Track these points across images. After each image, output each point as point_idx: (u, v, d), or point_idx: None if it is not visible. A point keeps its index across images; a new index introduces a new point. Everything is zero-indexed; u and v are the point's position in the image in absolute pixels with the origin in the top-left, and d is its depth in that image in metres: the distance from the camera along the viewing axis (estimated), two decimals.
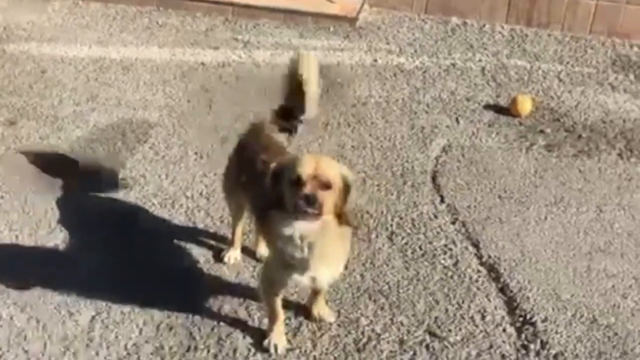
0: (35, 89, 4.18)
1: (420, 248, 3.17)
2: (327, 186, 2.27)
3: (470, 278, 3.02)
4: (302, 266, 2.38)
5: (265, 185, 2.31)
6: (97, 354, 2.56)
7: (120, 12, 5.08)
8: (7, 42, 4.64)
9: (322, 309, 2.75)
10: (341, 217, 2.33)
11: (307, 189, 2.23)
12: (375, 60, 4.66)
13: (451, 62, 4.65)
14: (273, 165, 2.33)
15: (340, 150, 3.80)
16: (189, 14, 5.08)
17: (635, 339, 2.75)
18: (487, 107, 4.27)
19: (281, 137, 2.80)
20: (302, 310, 2.78)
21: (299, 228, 2.28)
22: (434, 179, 3.66)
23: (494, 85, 4.46)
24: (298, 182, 2.25)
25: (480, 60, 4.68)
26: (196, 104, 4.11)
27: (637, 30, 4.90)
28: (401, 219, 3.34)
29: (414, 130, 4.03)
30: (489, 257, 3.14)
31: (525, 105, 4.20)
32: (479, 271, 3.07)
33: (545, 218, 3.40)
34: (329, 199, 2.27)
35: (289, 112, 2.78)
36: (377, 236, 3.22)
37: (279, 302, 2.57)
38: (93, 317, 2.71)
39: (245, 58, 4.65)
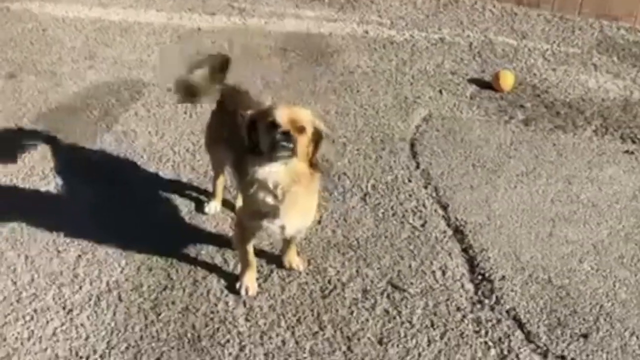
0: (36, 46, 4.39)
1: (391, 208, 3.40)
2: (300, 130, 2.47)
3: (436, 238, 3.24)
4: (273, 213, 2.59)
5: (242, 133, 2.52)
6: (80, 288, 2.80)
7: None
8: (11, 0, 4.84)
9: (292, 258, 2.99)
10: (312, 164, 2.53)
11: (283, 128, 2.42)
12: (367, 32, 4.86)
13: (440, 36, 4.85)
14: (250, 112, 2.53)
15: (325, 115, 4.01)
16: None
17: (586, 299, 2.97)
18: (471, 81, 4.46)
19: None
20: (274, 259, 3.01)
21: (272, 173, 2.49)
22: (412, 146, 3.87)
23: (479, 60, 4.65)
24: (274, 125, 2.44)
25: (468, 36, 4.87)
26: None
27: (625, 12, 5.09)
28: (376, 181, 3.56)
29: (397, 100, 4.23)
30: (456, 219, 3.36)
31: (507, 80, 4.40)
32: (444, 232, 3.29)
33: (515, 187, 3.61)
34: (302, 142, 2.48)
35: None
36: (351, 196, 3.44)
37: (250, 249, 2.80)
38: (79, 256, 2.94)
39: (240, 25, 4.84)
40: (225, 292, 2.84)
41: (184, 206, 3.26)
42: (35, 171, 3.37)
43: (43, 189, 3.28)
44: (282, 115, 2.46)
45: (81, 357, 2.52)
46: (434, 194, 3.52)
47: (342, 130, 3.88)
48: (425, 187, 3.57)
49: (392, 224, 3.29)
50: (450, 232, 3.30)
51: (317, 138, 2.55)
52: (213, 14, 4.90)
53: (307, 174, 2.53)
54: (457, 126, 4.03)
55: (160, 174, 3.46)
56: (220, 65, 3.03)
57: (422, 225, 3.31)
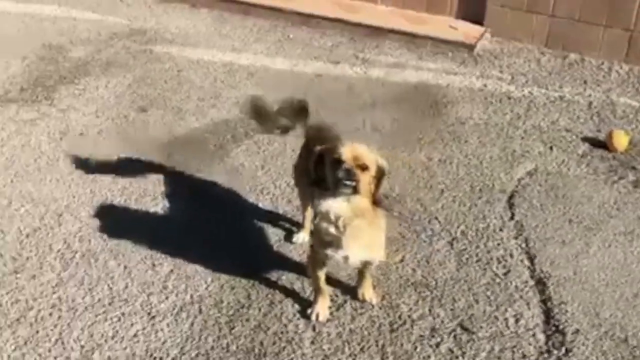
0: (169, 85, 4.89)
1: (476, 255, 3.53)
2: (363, 168, 2.69)
3: (516, 287, 3.34)
4: (336, 244, 2.81)
5: (309, 166, 2.79)
6: (166, 298, 3.13)
7: (257, 25, 5.75)
8: (154, 43, 5.42)
9: (366, 291, 3.18)
10: (374, 201, 2.76)
11: (347, 165, 2.66)
12: (485, 86, 5.02)
13: (560, 94, 4.93)
14: (318, 147, 2.80)
15: (427, 162, 4.21)
16: (318, 32, 5.67)
17: None
18: (585, 139, 4.51)
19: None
20: (350, 290, 3.22)
21: (335, 206, 2.73)
22: (510, 197, 3.98)
23: (597, 120, 4.69)
24: (338, 162, 2.68)
25: (589, 96, 4.93)
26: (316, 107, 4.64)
27: None
28: (467, 227, 3.71)
29: (504, 152, 4.36)
30: (541, 271, 3.44)
31: (621, 140, 4.42)
32: (526, 282, 3.38)
33: (609, 245, 3.64)
34: (365, 179, 2.70)
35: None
36: (438, 239, 3.60)
37: (322, 277, 3.03)
38: (171, 270, 3.29)
39: (362, 74, 5.15)
40: (298, 315, 3.08)
41: (275, 235, 3.54)
42: (148, 193, 3.78)
43: (152, 209, 3.68)
44: (346, 153, 2.69)
45: (155, 358, 2.83)
46: (523, 245, 3.60)
47: (441, 177, 4.04)
48: (516, 238, 3.66)
49: (474, 269, 3.41)
50: (532, 283, 3.38)
51: (380, 175, 2.75)
52: (337, 63, 5.23)
53: (369, 209, 2.74)
54: (561, 182, 4.10)
55: (260, 204, 3.76)
56: (299, 110, 3.32)
57: (505, 274, 3.41)
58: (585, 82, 5.10)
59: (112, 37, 5.45)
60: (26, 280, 3.22)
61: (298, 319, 3.09)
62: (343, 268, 3.17)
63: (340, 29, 5.64)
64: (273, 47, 5.42)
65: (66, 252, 3.42)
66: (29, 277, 3.25)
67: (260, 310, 3.11)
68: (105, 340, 2.92)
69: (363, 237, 2.81)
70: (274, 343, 2.95)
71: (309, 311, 3.09)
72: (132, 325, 3.00)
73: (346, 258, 2.86)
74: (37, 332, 2.97)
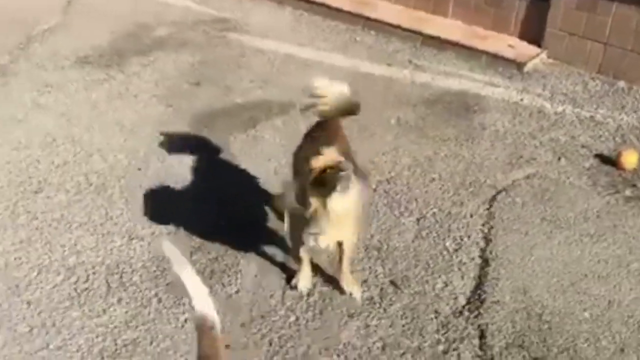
0: (228, 67, 5.78)
1: (436, 232, 4.15)
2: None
3: (460, 261, 3.95)
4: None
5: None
6: (150, 227, 3.97)
7: (330, 27, 6.54)
8: (231, 31, 6.34)
9: (347, 282, 3.64)
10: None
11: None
12: (522, 100, 5.57)
13: (592, 114, 5.39)
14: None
15: (432, 155, 4.83)
16: (385, 38, 6.39)
17: (562, 336, 3.47)
18: (598, 155, 4.96)
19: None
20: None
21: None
22: (497, 193, 4.53)
23: (619, 140, 5.12)
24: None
25: (621, 119, 5.35)
26: None
27: None
28: (440, 210, 4.32)
29: (511, 157, 4.88)
30: (490, 253, 4.02)
31: (630, 158, 4.84)
32: (472, 259, 3.97)
33: (570, 243, 4.14)
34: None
35: None
36: (408, 216, 4.23)
37: (302, 251, 3.53)
38: (166, 210, 4.12)
39: (409, 77, 5.83)
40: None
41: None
42: (176, 148, 4.66)
43: (174, 164, 4.54)
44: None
45: (120, 267, 3.66)
46: (485, 230, 4.17)
47: (439, 169, 4.66)
48: (483, 225, 4.22)
49: (428, 242, 4.05)
50: (478, 262, 3.95)
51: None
52: (389, 65, 5.93)
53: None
54: (554, 187, 4.60)
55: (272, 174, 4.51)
56: (350, 109, 3.78)
57: (455, 250, 4.02)
58: (623, 107, 5.51)
59: (196, 22, 6.41)
60: (42, 199, 4.14)
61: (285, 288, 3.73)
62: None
63: (406, 37, 6.33)
64: (337, 46, 6.19)
65: (83, 182, 4.33)
66: (45, 197, 4.17)
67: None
68: (85, 250, 3.77)
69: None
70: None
71: (292, 282, 3.68)
72: (111, 241, 3.84)
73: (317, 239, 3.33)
74: (32, 236, 3.86)
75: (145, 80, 5.48)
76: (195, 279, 2.18)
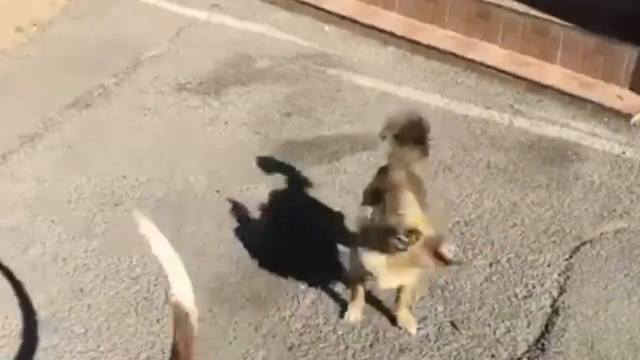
0: (322, 100, 5.93)
1: (507, 277, 4.14)
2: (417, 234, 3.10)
3: (528, 309, 3.90)
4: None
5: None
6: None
7: (432, 67, 6.61)
8: (330, 66, 6.50)
9: (403, 316, 3.69)
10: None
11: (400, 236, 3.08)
12: (624, 153, 5.46)
13: None
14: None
15: (518, 200, 4.83)
16: (487, 80, 6.41)
17: None
18: None
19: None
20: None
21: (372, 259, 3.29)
22: (581, 245, 4.46)
23: None
24: (393, 231, 3.11)
25: None
26: (443, 143, 5.34)
27: None
28: (516, 256, 4.30)
29: (602, 209, 4.78)
30: (563, 302, 3.96)
31: None
32: (541, 308, 3.93)
33: None
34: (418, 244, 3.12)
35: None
36: (481, 259, 4.23)
37: (358, 286, 3.64)
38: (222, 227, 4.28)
39: (507, 121, 5.82)
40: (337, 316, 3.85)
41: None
42: (251, 176, 4.81)
43: (251, 190, 4.71)
44: (404, 225, 3.11)
45: None
46: (561, 280, 4.12)
47: (522, 216, 4.64)
48: (559, 275, 4.18)
49: (497, 286, 4.04)
50: (547, 311, 3.91)
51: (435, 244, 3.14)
52: (488, 108, 5.95)
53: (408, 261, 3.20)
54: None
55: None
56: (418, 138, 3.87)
57: (525, 297, 3.99)
58: None
59: (298, 56, 6.61)
60: (120, 212, 4.37)
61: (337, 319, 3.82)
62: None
63: (509, 81, 6.33)
64: (436, 86, 6.25)
65: (162, 199, 4.54)
66: (123, 210, 4.39)
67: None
68: (151, 262, 3.95)
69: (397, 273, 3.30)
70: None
71: (345, 315, 3.76)
72: None
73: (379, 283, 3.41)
74: (104, 245, 4.07)
75: (238, 108, 5.69)
76: (176, 261, 2.22)
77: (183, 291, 2.24)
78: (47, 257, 4.10)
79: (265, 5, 7.66)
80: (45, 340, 3.53)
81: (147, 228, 2.26)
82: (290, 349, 3.53)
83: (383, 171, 3.91)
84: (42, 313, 3.71)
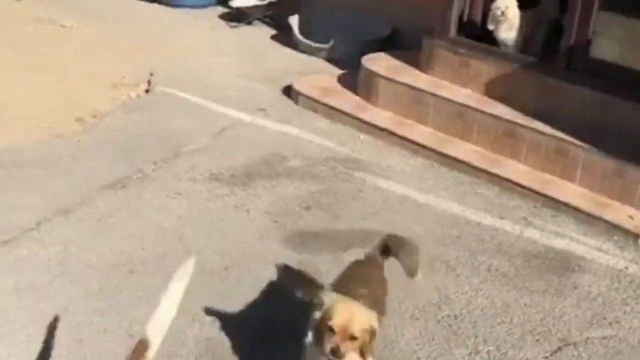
0: (343, 198, 6.34)
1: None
2: (353, 338, 3.36)
3: None
4: None
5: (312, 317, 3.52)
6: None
7: (456, 178, 6.98)
8: (358, 170, 6.92)
9: None
10: (363, 354, 3.45)
11: (334, 342, 3.33)
12: (626, 268, 5.69)
13: None
14: (317, 302, 3.55)
15: (512, 302, 5.08)
16: (507, 194, 6.74)
17: None
18: None
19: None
20: None
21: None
22: (563, 346, 4.68)
23: None
24: (331, 329, 3.36)
25: None
26: (438, 245, 5.78)
27: None
28: (496, 348, 4.53)
29: (594, 318, 4.99)
30: None
31: None
32: None
33: None
34: (353, 347, 3.38)
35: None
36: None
37: None
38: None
39: (518, 231, 6.12)
40: None
41: None
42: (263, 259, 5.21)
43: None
44: (338, 321, 3.36)
45: None
46: None
47: (510, 316, 4.89)
48: None
49: None
50: None
51: (371, 337, 3.43)
52: (502, 218, 6.27)
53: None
54: (630, 350, 4.70)
55: None
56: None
57: None
58: None
59: (329, 159, 7.08)
60: (133, 280, 4.79)
61: None
62: None
63: (528, 196, 6.66)
64: (455, 195, 6.61)
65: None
66: (136, 279, 4.81)
67: None
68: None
69: None
70: None
71: None
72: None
73: None
74: (110, 307, 4.47)
75: (262, 199, 6.14)
76: (171, 307, 2.60)
77: (155, 329, 2.62)
78: (57, 311, 4.50)
79: (307, 112, 8.22)
80: None
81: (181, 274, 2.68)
82: None
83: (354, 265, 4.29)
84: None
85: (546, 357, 4.55)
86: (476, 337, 4.66)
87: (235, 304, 4.77)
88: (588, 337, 4.81)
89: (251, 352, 4.40)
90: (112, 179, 6.26)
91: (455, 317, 4.86)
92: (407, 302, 4.92)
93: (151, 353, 2.61)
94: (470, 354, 4.49)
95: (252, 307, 4.79)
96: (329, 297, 3.54)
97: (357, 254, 5.30)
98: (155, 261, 5.11)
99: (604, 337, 4.83)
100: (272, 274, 5.10)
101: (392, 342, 4.57)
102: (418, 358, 4.37)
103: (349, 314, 3.40)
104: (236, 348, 4.38)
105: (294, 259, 5.34)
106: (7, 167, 6.27)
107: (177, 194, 6.12)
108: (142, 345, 2.64)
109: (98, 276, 4.88)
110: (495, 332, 4.74)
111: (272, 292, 4.97)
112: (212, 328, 4.52)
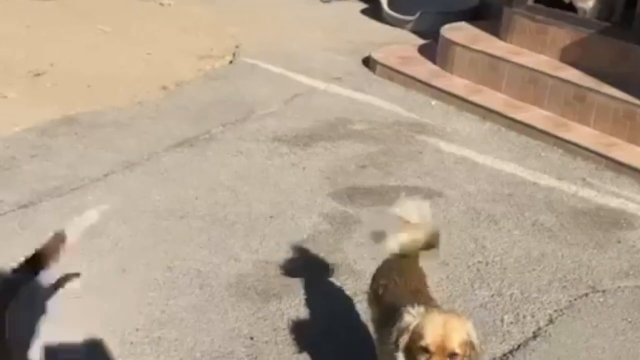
0: (400, 159, 6.64)
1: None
2: (454, 355, 2.95)
3: None
4: None
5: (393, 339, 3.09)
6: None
7: (522, 142, 7.14)
8: (421, 133, 7.21)
9: None
10: None
11: None
12: None
13: None
14: (402, 324, 3.06)
15: (549, 252, 5.29)
16: (571, 156, 6.88)
17: None
18: None
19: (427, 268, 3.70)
20: None
21: None
22: (592, 291, 4.88)
23: None
24: (425, 350, 2.94)
25: None
26: (486, 201, 6.03)
27: None
28: (519, 288, 4.78)
29: (629, 267, 5.16)
30: None
31: None
32: None
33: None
34: None
35: None
36: None
37: None
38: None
39: (573, 191, 6.29)
40: None
41: None
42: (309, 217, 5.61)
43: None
44: (433, 341, 2.94)
45: None
46: (555, 315, 4.57)
47: (543, 265, 5.10)
48: (555, 311, 4.64)
49: (488, 311, 4.54)
50: (528, 335, 4.38)
51: (472, 351, 3.01)
52: (560, 179, 6.43)
53: None
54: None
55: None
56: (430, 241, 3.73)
57: (511, 323, 4.47)
58: None
59: (395, 123, 7.40)
60: (183, 224, 5.31)
61: None
62: None
63: (591, 158, 6.80)
64: (517, 157, 6.81)
65: (221, 219, 5.39)
66: (186, 222, 5.31)
67: None
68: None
69: None
70: None
71: None
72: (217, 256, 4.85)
73: None
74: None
75: (320, 158, 6.53)
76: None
77: (73, 228, 3.13)
78: (107, 246, 5.04)
79: (383, 81, 8.56)
80: None
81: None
82: None
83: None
84: None
85: (570, 302, 4.73)
86: (502, 280, 4.89)
87: (274, 247, 5.14)
88: (619, 286, 4.95)
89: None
90: (180, 139, 6.77)
91: (487, 263, 5.10)
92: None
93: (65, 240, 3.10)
94: (492, 295, 4.74)
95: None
96: (414, 316, 3.09)
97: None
98: (207, 208, 5.57)
99: (637, 287, 4.95)
100: (314, 223, 5.44)
101: None
102: (439, 298, 4.63)
103: (443, 329, 2.98)
104: (267, 281, 4.77)
105: (337, 211, 5.65)
106: (86, 128, 6.88)
107: (239, 152, 6.58)
108: (59, 237, 3.12)
109: (151, 219, 5.38)
110: (523, 277, 4.95)
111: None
112: (246, 265, 4.90)
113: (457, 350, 2.94)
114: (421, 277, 3.66)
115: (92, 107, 7.36)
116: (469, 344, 3.00)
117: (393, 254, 3.73)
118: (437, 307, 3.32)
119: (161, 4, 11.28)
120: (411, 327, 3.02)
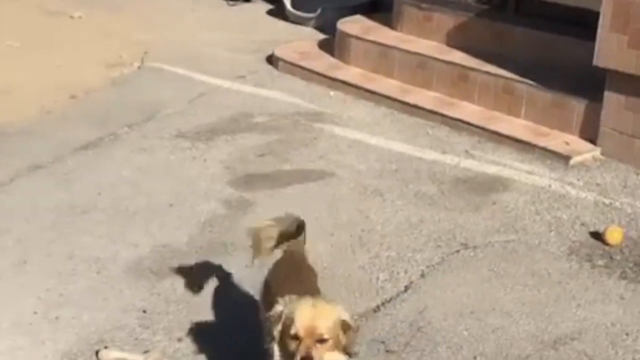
0: (296, 145, 7.05)
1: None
2: (323, 340, 3.03)
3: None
4: None
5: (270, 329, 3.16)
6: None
7: (412, 122, 7.60)
8: (318, 121, 7.61)
9: None
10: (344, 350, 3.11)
11: (303, 350, 2.97)
12: (549, 186, 6.27)
13: (610, 201, 5.93)
14: (273, 314, 3.16)
15: (428, 217, 5.73)
16: (457, 132, 7.36)
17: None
18: (593, 233, 5.56)
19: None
20: None
21: None
22: (464, 248, 5.34)
23: (616, 219, 5.68)
24: (296, 337, 3.02)
25: (633, 205, 5.89)
26: (374, 177, 6.46)
27: None
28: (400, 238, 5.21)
29: (501, 225, 5.63)
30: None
31: (614, 234, 5.43)
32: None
33: (508, 293, 4.86)
34: (327, 348, 3.02)
35: None
36: None
37: None
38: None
39: (456, 162, 6.76)
40: None
41: None
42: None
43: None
44: (301, 326, 3.02)
45: None
46: (426, 271, 5.02)
47: (421, 228, 5.55)
48: (427, 267, 5.08)
49: (364, 271, 4.96)
50: (400, 289, 4.81)
51: (346, 329, 3.11)
52: (444, 153, 6.89)
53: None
54: (527, 250, 5.29)
55: None
56: (296, 228, 3.86)
57: (385, 280, 4.91)
58: None
59: (294, 114, 7.81)
60: (84, 220, 5.64)
61: None
62: None
63: (475, 132, 7.28)
64: (406, 137, 7.25)
65: (122, 210, 5.74)
66: (88, 218, 5.65)
67: None
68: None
69: None
70: None
71: None
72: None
73: None
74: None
75: (221, 151, 6.91)
76: None
77: None
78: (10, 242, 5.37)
79: (285, 76, 9.00)
80: None
81: None
82: None
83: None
84: None
85: (442, 258, 5.17)
86: (381, 245, 5.32)
87: (172, 232, 5.51)
88: (490, 242, 5.41)
89: None
90: (86, 142, 7.09)
91: (369, 231, 5.53)
92: (325, 221, 5.58)
93: None
94: (370, 258, 5.16)
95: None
96: (284, 304, 3.19)
97: (294, 190, 6.05)
98: (109, 202, 5.91)
99: (506, 241, 5.43)
100: (211, 209, 5.81)
101: None
102: (321, 262, 5.04)
103: (311, 315, 3.07)
104: (163, 262, 5.14)
105: (234, 196, 6.05)
106: None
107: (143, 150, 6.93)
108: None
109: (54, 216, 5.70)
110: (401, 241, 5.39)
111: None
112: (144, 250, 5.26)
113: (326, 336, 3.03)
114: (308, 271, 3.82)
115: (0, 119, 7.60)
116: (343, 325, 3.11)
117: (279, 257, 3.88)
118: (314, 296, 3.29)
119: (71, 17, 11.54)
120: (283, 316, 3.11)
